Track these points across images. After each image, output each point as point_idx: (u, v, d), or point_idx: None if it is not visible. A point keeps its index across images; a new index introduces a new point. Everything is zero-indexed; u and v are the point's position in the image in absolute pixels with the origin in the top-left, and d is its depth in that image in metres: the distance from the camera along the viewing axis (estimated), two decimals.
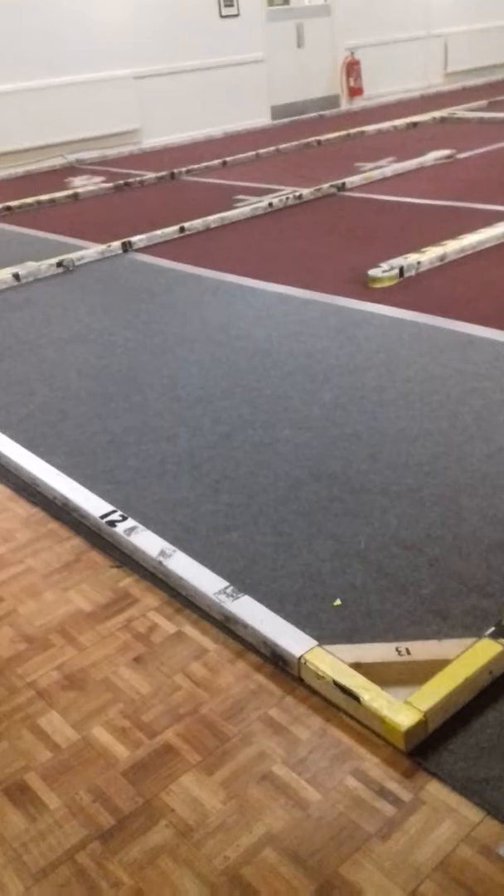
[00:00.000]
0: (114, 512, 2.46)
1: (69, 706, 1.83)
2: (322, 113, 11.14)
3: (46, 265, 5.09)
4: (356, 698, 1.69)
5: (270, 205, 6.21)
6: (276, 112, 10.93)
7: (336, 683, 1.73)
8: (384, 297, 4.19)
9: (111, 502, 2.53)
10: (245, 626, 1.95)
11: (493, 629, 1.84)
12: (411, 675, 1.77)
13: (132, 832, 1.53)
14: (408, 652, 1.83)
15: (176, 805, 1.57)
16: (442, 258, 4.63)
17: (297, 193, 6.39)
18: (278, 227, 5.75)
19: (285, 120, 10.84)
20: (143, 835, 1.52)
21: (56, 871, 1.47)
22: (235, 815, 1.54)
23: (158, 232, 5.62)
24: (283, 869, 1.43)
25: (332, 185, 6.58)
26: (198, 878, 1.43)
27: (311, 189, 6.48)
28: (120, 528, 2.37)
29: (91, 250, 5.35)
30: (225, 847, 1.48)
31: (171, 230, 5.68)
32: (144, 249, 5.44)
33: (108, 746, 1.72)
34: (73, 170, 8.74)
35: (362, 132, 9.17)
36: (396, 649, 1.84)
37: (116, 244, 5.42)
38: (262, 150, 8.57)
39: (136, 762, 1.67)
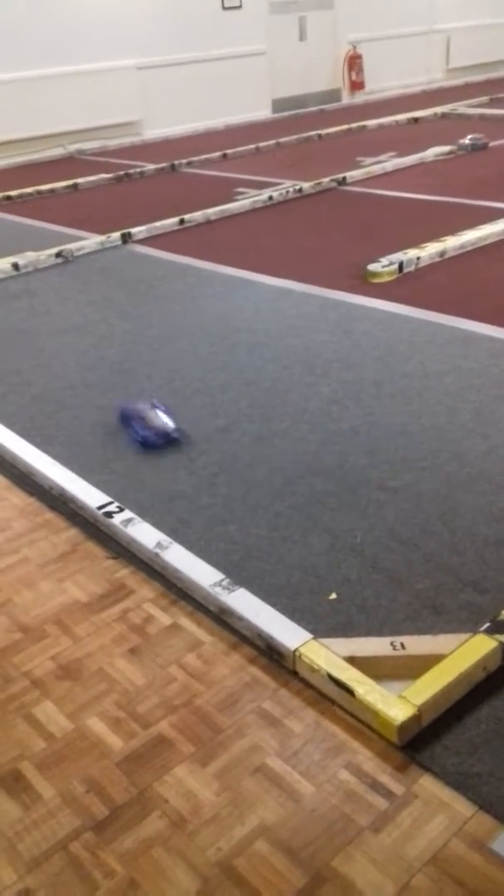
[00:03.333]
0: (110, 503, 2.46)
1: (64, 696, 1.83)
2: (323, 107, 11.11)
3: (46, 255, 5.08)
4: (350, 692, 1.70)
5: (270, 198, 6.20)
6: (278, 105, 10.89)
7: (330, 677, 1.74)
8: (383, 292, 4.18)
9: (108, 493, 2.53)
10: (240, 618, 1.96)
11: (488, 625, 1.84)
12: (406, 669, 1.77)
13: (126, 822, 1.53)
14: (402, 646, 1.84)
15: (169, 796, 1.58)
16: (441, 254, 4.63)
17: (298, 187, 6.38)
18: (278, 221, 5.74)
19: (286, 113, 10.81)
20: (136, 825, 1.53)
21: (49, 861, 1.47)
22: (229, 807, 1.55)
23: (158, 223, 5.61)
24: (275, 861, 1.44)
25: (332, 180, 6.57)
26: (190, 869, 1.44)
27: (312, 183, 6.47)
28: (116, 520, 2.37)
29: (90, 241, 5.33)
30: (218, 838, 1.49)
31: (170, 222, 5.66)
32: (144, 241, 5.43)
33: (103, 737, 1.72)
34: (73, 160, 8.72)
35: (363, 126, 9.16)
36: (391, 643, 1.85)
37: (116, 235, 5.40)
38: (262, 144, 8.54)
39: (130, 753, 1.68)
